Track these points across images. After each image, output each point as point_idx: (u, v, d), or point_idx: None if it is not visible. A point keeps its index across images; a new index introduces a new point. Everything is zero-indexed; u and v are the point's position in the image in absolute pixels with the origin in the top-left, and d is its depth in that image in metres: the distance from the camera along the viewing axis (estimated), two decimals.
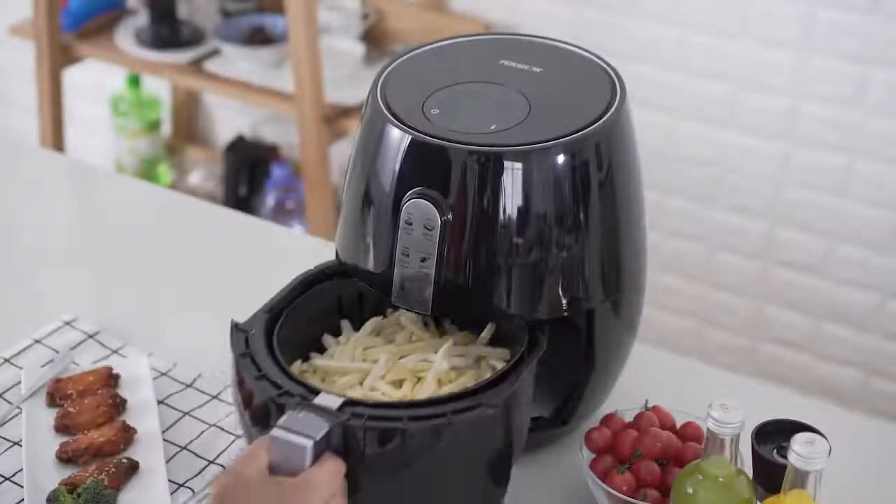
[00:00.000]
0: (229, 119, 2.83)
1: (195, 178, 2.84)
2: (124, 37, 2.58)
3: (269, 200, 2.57)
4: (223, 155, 2.69)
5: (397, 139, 1.13)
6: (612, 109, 1.17)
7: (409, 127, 1.13)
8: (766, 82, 2.29)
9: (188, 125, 2.92)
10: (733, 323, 2.45)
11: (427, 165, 1.12)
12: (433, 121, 1.13)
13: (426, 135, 1.11)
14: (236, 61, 2.47)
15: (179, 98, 2.86)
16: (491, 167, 1.10)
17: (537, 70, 1.20)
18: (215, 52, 2.51)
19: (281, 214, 2.55)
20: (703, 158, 2.38)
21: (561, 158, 1.12)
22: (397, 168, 1.13)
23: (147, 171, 2.82)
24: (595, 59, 1.23)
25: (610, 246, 1.18)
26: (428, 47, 1.25)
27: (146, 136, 2.80)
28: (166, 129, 2.90)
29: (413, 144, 1.12)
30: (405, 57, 1.24)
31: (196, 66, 2.50)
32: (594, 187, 1.15)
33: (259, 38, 2.47)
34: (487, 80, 1.20)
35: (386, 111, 1.15)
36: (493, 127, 1.13)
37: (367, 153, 1.16)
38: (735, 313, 2.44)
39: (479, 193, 1.10)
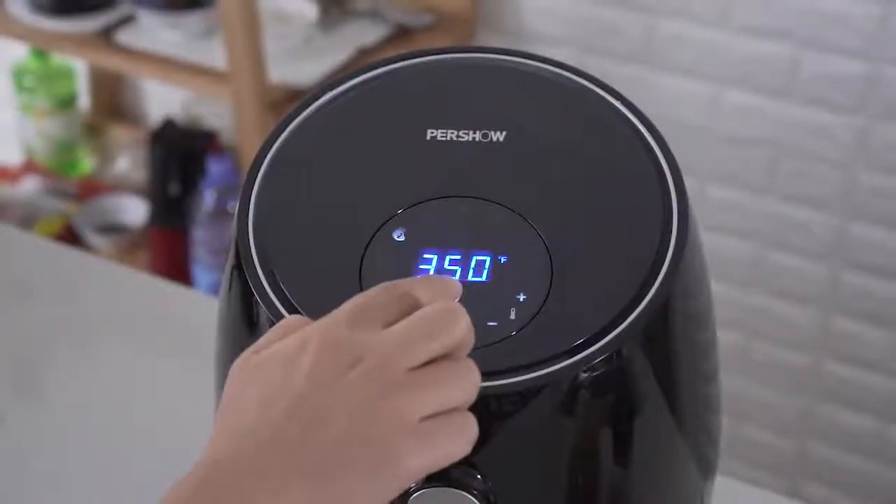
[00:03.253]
0: (162, 91, 2.47)
1: (122, 164, 2.50)
2: (16, 0, 2.20)
3: (207, 202, 2.16)
4: (149, 146, 2.34)
5: None
6: (670, 252, 0.66)
7: None
8: (836, 41, 1.88)
9: (111, 99, 2.59)
10: (792, 338, 2.09)
11: None
12: None
13: None
14: (155, 30, 2.08)
15: (98, 67, 2.48)
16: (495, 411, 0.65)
17: (498, 137, 0.70)
18: (128, 20, 2.13)
19: (221, 219, 2.14)
20: (753, 136, 1.99)
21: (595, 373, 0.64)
22: None
23: (63, 158, 2.48)
24: (608, 99, 0.72)
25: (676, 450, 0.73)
26: (316, 122, 0.75)
27: (59, 115, 2.47)
28: (84, 104, 2.55)
29: None
30: (281, 155, 0.73)
31: (105, 37, 2.12)
32: (647, 386, 0.68)
33: (182, 0, 2.09)
34: (437, 191, 0.69)
35: (283, 311, 0.67)
36: (490, 324, 0.66)
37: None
38: (794, 326, 2.08)
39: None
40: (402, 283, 0.61)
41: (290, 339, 0.59)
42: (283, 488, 0.55)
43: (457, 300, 0.61)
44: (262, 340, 0.60)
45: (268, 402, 0.57)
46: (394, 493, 0.56)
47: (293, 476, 0.55)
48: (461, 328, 0.58)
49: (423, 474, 0.57)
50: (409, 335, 0.57)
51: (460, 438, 0.57)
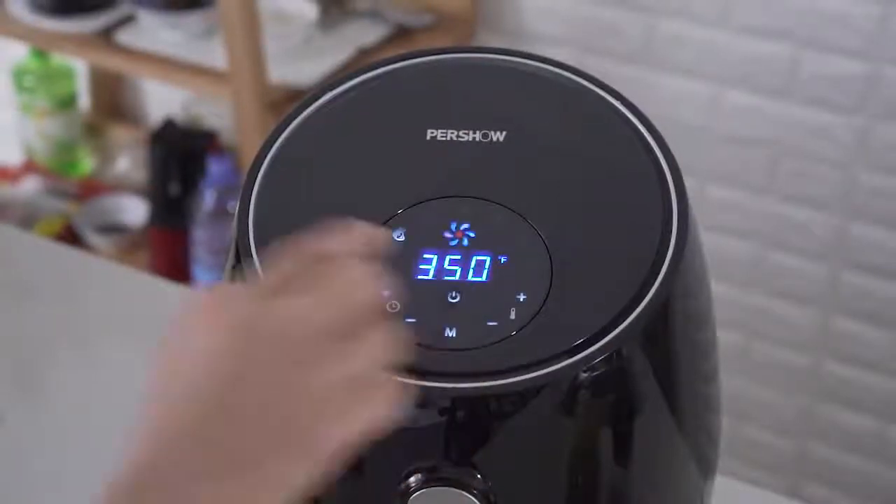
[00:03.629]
0: (161, 91, 2.44)
1: (122, 164, 2.47)
2: (16, 0, 2.16)
3: (207, 202, 2.13)
4: (149, 146, 2.31)
5: None
6: (670, 252, 0.65)
7: None
8: (836, 41, 1.86)
9: (111, 99, 2.55)
10: (792, 338, 2.07)
11: None
12: None
13: None
14: (155, 30, 2.05)
15: (98, 67, 2.45)
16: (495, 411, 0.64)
17: (498, 137, 0.70)
18: (129, 20, 2.10)
19: (221, 219, 2.11)
20: (753, 136, 1.97)
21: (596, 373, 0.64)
22: None
23: (63, 158, 2.45)
24: (608, 99, 0.72)
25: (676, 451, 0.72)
26: (316, 121, 0.74)
27: (59, 116, 2.43)
28: (84, 104, 2.52)
29: None
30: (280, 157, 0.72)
31: (105, 37, 2.08)
32: (647, 386, 0.67)
33: (182, 0, 2.06)
34: (438, 191, 0.68)
35: None
36: (490, 324, 0.65)
37: None
38: (794, 326, 2.06)
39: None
40: (314, 245, 0.59)
41: (200, 329, 0.57)
42: (211, 488, 0.53)
43: (378, 245, 0.60)
44: (177, 327, 0.59)
45: (186, 398, 0.55)
46: (322, 468, 0.55)
47: (215, 474, 0.53)
48: (367, 292, 0.57)
49: (349, 445, 0.55)
50: (316, 306, 0.56)
51: (380, 403, 0.56)
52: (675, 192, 0.69)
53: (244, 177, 0.72)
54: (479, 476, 0.63)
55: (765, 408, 2.10)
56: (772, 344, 2.08)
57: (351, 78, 0.76)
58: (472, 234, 0.67)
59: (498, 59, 0.75)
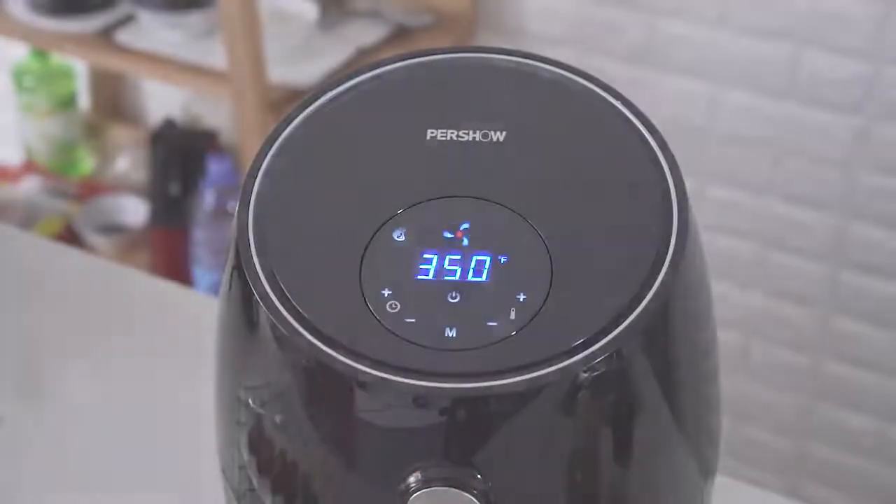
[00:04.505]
0: (161, 91, 2.44)
1: (122, 164, 2.46)
2: (16, 0, 2.16)
3: (208, 201, 2.13)
4: (149, 146, 2.31)
5: (324, 376, 0.63)
6: (670, 252, 0.65)
7: (339, 348, 0.62)
8: (836, 41, 1.86)
9: (112, 99, 2.54)
10: (792, 337, 2.07)
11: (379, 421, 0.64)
12: (384, 320, 0.63)
13: (370, 363, 0.61)
14: (155, 30, 2.05)
15: (98, 67, 2.44)
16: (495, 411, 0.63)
17: (498, 137, 0.69)
18: (129, 20, 2.10)
19: (221, 219, 2.11)
20: (754, 136, 1.97)
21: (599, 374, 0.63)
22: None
23: (63, 158, 2.45)
24: (608, 99, 0.71)
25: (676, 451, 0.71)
26: (314, 124, 0.73)
27: (59, 115, 2.43)
28: (84, 103, 2.52)
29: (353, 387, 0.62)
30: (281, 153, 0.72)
31: (105, 36, 2.08)
32: (647, 386, 0.66)
33: (182, 0, 2.05)
34: (440, 190, 0.68)
35: (283, 310, 0.65)
36: (490, 324, 0.64)
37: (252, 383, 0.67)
38: (794, 326, 2.06)
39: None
40: None
41: None
42: None
43: None
44: None
45: None
46: None
47: None
48: None
49: None
50: None
51: None
52: (676, 192, 0.68)
53: (244, 177, 0.71)
54: (479, 476, 0.63)
55: (765, 408, 2.10)
56: (772, 344, 2.08)
57: (351, 78, 0.75)
58: (472, 234, 0.67)
59: (498, 59, 0.75)
